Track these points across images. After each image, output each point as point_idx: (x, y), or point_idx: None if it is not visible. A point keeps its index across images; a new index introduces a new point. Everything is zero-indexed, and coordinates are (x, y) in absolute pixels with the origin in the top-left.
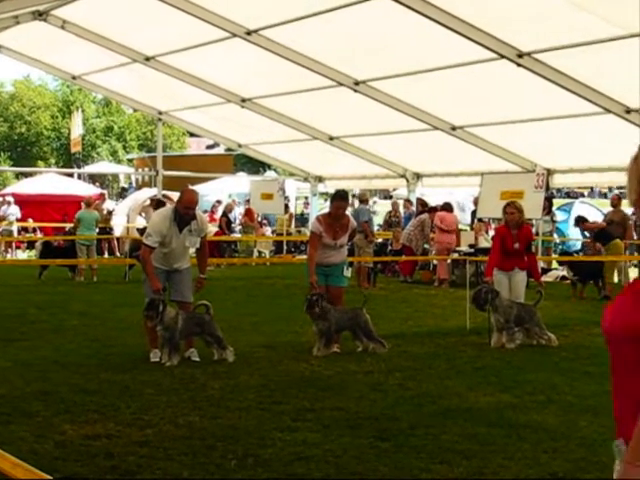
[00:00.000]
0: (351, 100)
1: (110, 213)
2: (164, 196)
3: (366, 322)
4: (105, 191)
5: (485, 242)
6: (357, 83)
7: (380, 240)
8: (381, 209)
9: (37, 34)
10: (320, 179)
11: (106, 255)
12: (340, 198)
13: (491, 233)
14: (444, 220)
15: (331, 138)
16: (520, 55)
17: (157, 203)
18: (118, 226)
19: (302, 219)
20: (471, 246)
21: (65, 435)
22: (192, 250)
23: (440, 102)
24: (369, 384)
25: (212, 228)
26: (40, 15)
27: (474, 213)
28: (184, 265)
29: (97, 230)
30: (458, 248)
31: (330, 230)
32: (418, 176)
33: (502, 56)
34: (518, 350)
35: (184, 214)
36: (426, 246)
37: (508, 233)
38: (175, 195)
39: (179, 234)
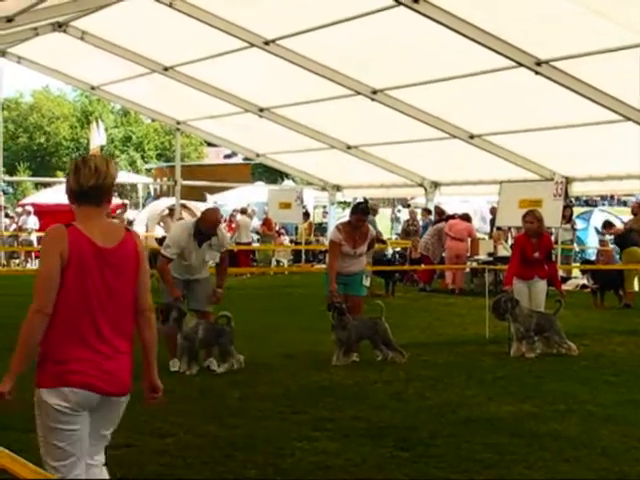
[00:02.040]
0: (369, 109)
1: (131, 223)
2: (182, 206)
3: (385, 331)
4: (127, 201)
5: (504, 251)
6: (375, 92)
7: (398, 249)
8: (405, 218)
9: (56, 45)
10: (338, 188)
11: None
12: (361, 212)
13: (510, 241)
14: (453, 228)
15: (349, 147)
16: (538, 63)
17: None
18: None
19: (320, 228)
20: (490, 255)
21: None
22: (211, 262)
23: (458, 111)
24: (388, 393)
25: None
26: (60, 26)
27: (493, 221)
28: (203, 275)
29: None
30: (477, 257)
31: (350, 239)
32: (436, 185)
33: (520, 64)
34: (538, 359)
35: (205, 233)
36: (444, 255)
37: (528, 242)
38: (192, 205)
39: (199, 248)
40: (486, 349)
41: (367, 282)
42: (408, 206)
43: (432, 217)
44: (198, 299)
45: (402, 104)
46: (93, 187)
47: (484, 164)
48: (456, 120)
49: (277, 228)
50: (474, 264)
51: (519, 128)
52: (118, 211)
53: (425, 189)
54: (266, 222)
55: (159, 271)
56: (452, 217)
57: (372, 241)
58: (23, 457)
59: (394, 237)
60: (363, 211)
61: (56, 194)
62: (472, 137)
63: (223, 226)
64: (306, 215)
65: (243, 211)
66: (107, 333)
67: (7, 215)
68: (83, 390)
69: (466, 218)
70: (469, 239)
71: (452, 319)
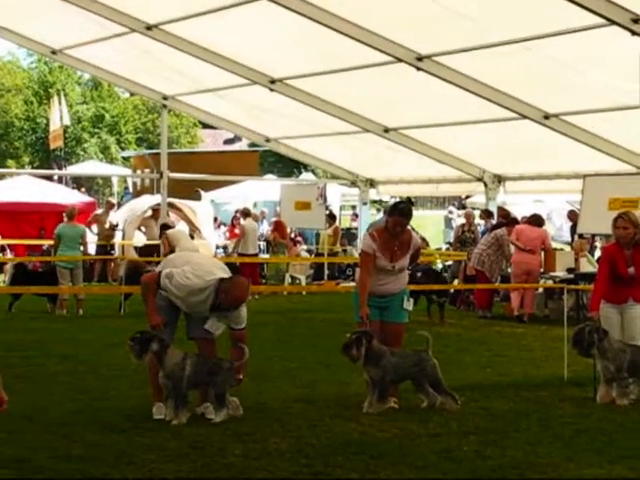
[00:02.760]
0: (413, 80)
1: (114, 228)
2: (170, 205)
3: (433, 369)
4: (114, 200)
5: (588, 265)
6: (420, 58)
7: (449, 262)
8: (459, 222)
9: None
10: (372, 183)
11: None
12: (399, 213)
13: (597, 254)
14: (522, 235)
15: (386, 130)
16: (636, 19)
17: (162, 228)
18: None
19: (349, 234)
20: (570, 270)
21: None
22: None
23: (529, 84)
24: (437, 451)
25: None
26: None
27: (574, 227)
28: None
29: (82, 248)
30: (552, 273)
31: (386, 249)
32: (499, 179)
33: (611, 22)
34: (633, 407)
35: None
36: (509, 271)
37: (620, 254)
38: (184, 204)
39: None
40: (564, 393)
41: (409, 305)
42: (463, 207)
43: (494, 221)
44: (199, 325)
45: (456, 74)
46: None
47: (562, 152)
48: (526, 95)
49: (292, 235)
50: (549, 283)
51: (609, 105)
52: (98, 211)
53: (485, 185)
54: (278, 227)
55: (142, 286)
56: (515, 221)
57: (417, 252)
58: None
59: (444, 247)
60: (402, 213)
61: (6, 189)
62: (547, 117)
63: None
64: (331, 218)
65: (248, 213)
66: None
67: None
68: None
69: (536, 222)
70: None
71: (520, 354)
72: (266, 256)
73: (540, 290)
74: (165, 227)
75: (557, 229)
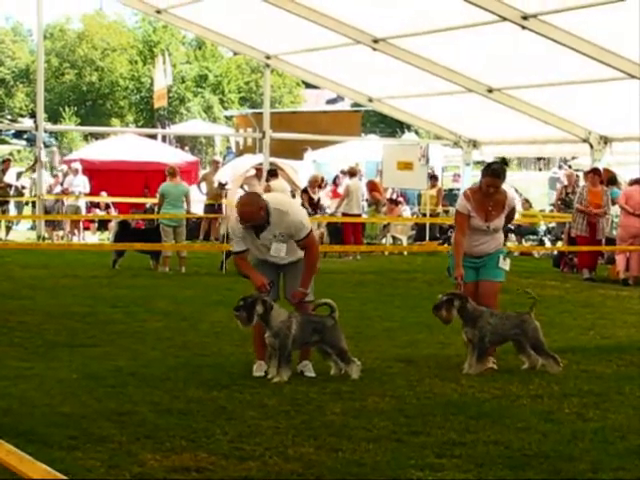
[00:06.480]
0: (517, 40)
1: (223, 186)
2: (272, 165)
3: (535, 331)
4: (220, 159)
5: None
6: (525, 17)
7: (553, 224)
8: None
9: None
10: (475, 144)
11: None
12: (492, 174)
13: None
14: (630, 199)
15: (490, 90)
16: None
17: (269, 174)
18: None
19: (451, 196)
20: None
21: (145, 466)
22: (282, 257)
23: (637, 42)
24: (537, 412)
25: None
26: None
27: None
28: (294, 257)
29: (186, 207)
30: None
31: (481, 209)
32: (606, 140)
33: None
34: None
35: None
36: (615, 233)
37: None
38: (287, 164)
39: (257, 239)
40: None
41: (506, 265)
42: (569, 167)
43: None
44: (293, 286)
45: (561, 33)
46: None
47: None
48: (635, 54)
49: (394, 196)
50: None
51: None
52: (206, 171)
53: (591, 146)
54: (374, 187)
55: (235, 266)
56: (595, 171)
57: (511, 212)
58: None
59: (548, 209)
60: (495, 173)
61: (111, 148)
62: None
63: (296, 206)
64: (433, 178)
65: (352, 172)
66: None
67: (53, 174)
68: None
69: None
70: None
71: (624, 317)
72: (366, 216)
73: None
74: (273, 173)
75: None
